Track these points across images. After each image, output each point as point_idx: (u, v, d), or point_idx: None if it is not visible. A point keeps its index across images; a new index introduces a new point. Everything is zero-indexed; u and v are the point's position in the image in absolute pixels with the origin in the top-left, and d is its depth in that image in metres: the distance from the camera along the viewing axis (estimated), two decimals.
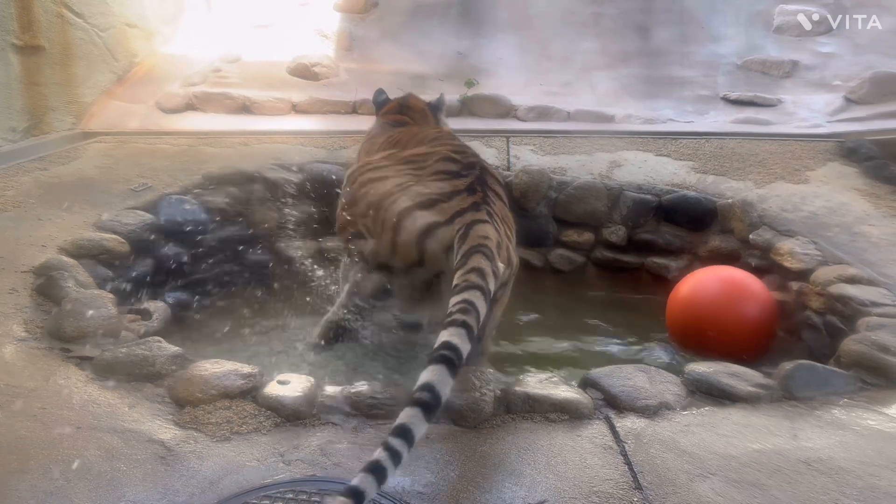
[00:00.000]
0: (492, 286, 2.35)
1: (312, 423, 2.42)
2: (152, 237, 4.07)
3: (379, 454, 1.77)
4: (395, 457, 1.78)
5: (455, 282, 2.36)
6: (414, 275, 2.86)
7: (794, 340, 3.90)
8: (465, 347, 2.03)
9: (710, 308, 3.69)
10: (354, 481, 1.71)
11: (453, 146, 3.25)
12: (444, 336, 2.07)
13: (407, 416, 1.86)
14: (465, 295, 2.23)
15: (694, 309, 3.76)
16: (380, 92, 4.15)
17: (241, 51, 7.61)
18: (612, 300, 4.56)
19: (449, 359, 1.98)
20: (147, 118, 6.14)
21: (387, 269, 2.98)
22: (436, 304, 2.79)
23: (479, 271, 2.34)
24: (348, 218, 3.13)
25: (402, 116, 3.91)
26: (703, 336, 3.67)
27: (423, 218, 2.72)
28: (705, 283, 3.84)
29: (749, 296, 3.73)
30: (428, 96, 6.73)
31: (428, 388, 1.91)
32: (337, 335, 3.43)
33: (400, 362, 3.48)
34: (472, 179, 2.88)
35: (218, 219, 4.51)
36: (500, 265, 2.48)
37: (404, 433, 1.82)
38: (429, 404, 1.88)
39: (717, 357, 3.36)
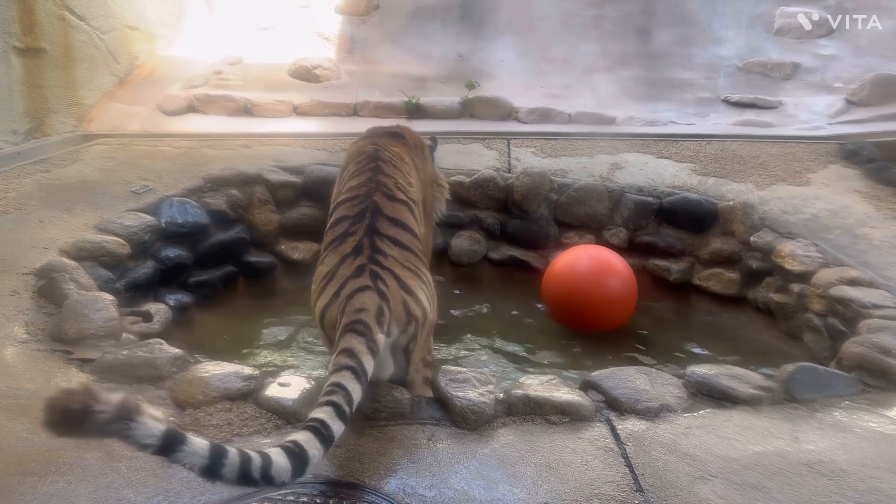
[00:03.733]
0: (367, 362, 2.24)
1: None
2: (153, 239, 4.07)
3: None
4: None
5: (330, 365, 2.30)
6: None
7: (795, 342, 3.90)
8: (334, 424, 2.03)
9: (581, 282, 4.04)
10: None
11: (350, 189, 2.99)
12: (314, 412, 2.07)
13: (275, 453, 1.90)
14: (334, 378, 2.17)
15: (567, 283, 4.09)
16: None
17: (243, 53, 7.62)
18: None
19: (317, 429, 2.00)
20: (148, 120, 6.15)
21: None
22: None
23: (349, 352, 2.24)
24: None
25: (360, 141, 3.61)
26: (574, 307, 4.06)
27: (319, 306, 2.61)
28: (577, 260, 4.18)
29: (613, 272, 4.07)
30: (429, 97, 6.76)
31: (295, 444, 1.94)
32: None
33: None
34: (359, 236, 2.69)
35: (219, 220, 4.51)
36: (380, 336, 2.35)
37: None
38: (294, 452, 1.91)
39: (584, 326, 4.06)
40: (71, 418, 1.62)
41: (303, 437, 1.96)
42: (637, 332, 4.21)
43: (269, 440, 2.32)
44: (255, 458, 1.83)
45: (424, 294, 2.65)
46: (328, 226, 2.91)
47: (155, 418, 1.71)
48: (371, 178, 3.00)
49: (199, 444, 1.75)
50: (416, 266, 2.71)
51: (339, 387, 2.13)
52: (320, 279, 2.67)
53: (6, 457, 2.17)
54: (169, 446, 1.70)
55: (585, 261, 4.17)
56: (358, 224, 2.76)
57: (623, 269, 4.12)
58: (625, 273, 4.10)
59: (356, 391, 2.15)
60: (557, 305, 4.18)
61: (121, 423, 1.65)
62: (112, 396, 1.67)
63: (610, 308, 4.09)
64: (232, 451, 1.80)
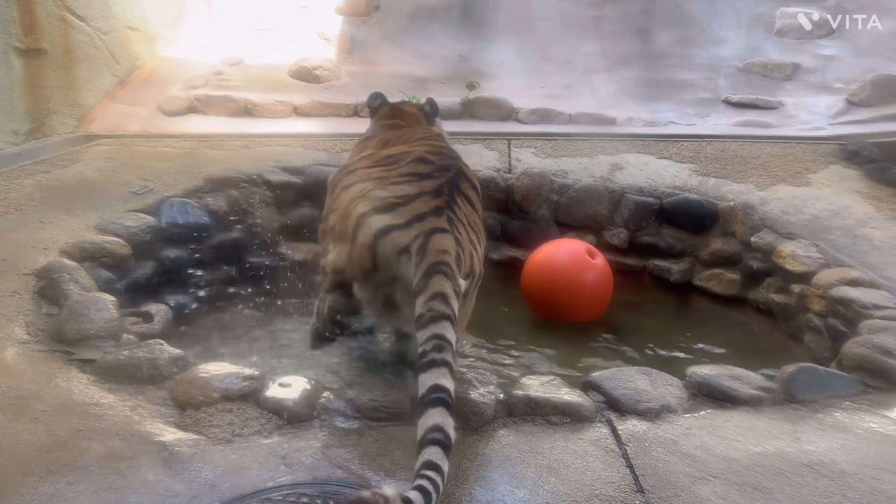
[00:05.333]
0: (456, 308, 2.27)
1: (314, 426, 2.42)
2: (154, 240, 4.07)
3: (420, 483, 1.86)
4: (433, 483, 1.87)
5: (419, 310, 2.29)
6: (371, 284, 2.75)
7: (796, 343, 3.90)
8: (451, 386, 2.05)
9: (559, 274, 4.17)
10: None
11: (433, 147, 3.17)
12: (431, 379, 2.06)
13: (430, 453, 1.93)
14: (434, 329, 2.16)
15: (546, 275, 4.21)
16: (375, 96, 4.07)
17: (243, 54, 7.62)
18: (613, 302, 4.55)
19: (444, 400, 2.02)
20: (149, 121, 6.15)
21: (344, 287, 2.88)
22: (398, 315, 2.74)
23: (443, 297, 2.25)
24: (323, 228, 3.08)
25: (396, 120, 3.82)
26: (552, 299, 4.19)
27: (378, 221, 2.62)
28: (556, 253, 4.29)
29: (590, 265, 4.18)
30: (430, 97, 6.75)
31: (438, 428, 1.97)
32: (325, 341, 3.35)
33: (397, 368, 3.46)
34: (441, 182, 2.78)
35: (219, 221, 4.51)
36: (462, 282, 2.38)
37: (435, 466, 1.91)
38: (444, 443, 1.96)
39: (562, 316, 4.16)
40: None
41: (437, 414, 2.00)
42: (637, 332, 4.21)
43: (269, 441, 2.32)
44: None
45: (482, 252, 2.79)
46: (404, 161, 2.93)
47: None
48: (451, 148, 3.24)
49: None
50: (478, 227, 2.85)
51: (445, 340, 2.16)
52: (391, 196, 2.68)
53: (6, 457, 2.17)
54: None
55: (562, 254, 4.30)
56: (443, 173, 2.85)
57: (599, 262, 4.24)
58: (600, 266, 4.23)
59: (454, 341, 2.19)
60: (534, 296, 4.32)
61: None
62: None
63: (585, 299, 4.22)
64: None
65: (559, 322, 4.23)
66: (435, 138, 3.40)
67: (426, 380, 2.09)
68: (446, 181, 2.81)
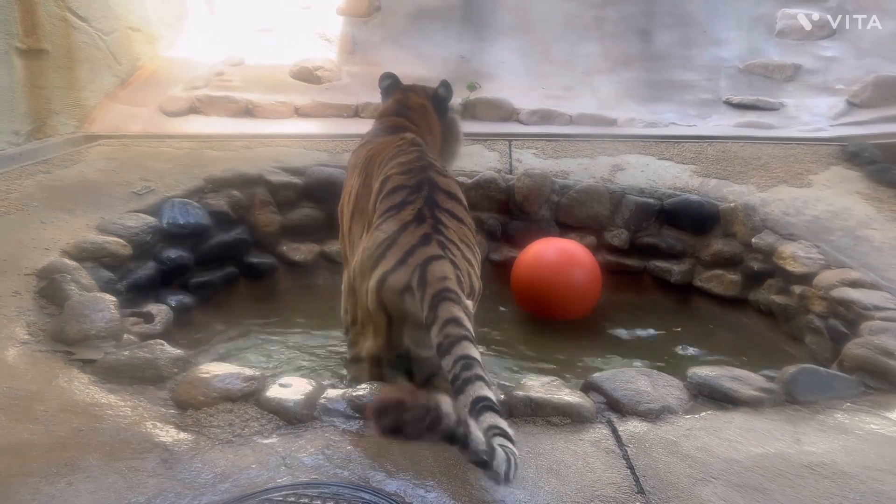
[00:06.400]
0: (471, 328, 2.27)
1: (314, 426, 2.41)
2: (155, 240, 4.07)
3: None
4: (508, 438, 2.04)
5: (436, 340, 2.29)
6: (393, 336, 2.66)
7: (797, 344, 3.90)
8: (492, 395, 2.11)
9: (548, 272, 4.19)
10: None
11: (402, 164, 2.97)
12: (470, 395, 2.10)
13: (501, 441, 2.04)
14: (455, 352, 2.18)
15: (535, 273, 4.24)
16: (385, 76, 3.78)
17: (244, 54, 7.62)
18: (613, 303, 4.55)
19: (490, 407, 2.08)
20: (150, 121, 6.15)
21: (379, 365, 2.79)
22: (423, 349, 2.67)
23: (455, 321, 2.25)
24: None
25: (400, 119, 3.55)
26: (541, 296, 4.22)
27: (378, 271, 2.58)
28: (545, 251, 4.33)
29: (579, 263, 4.26)
30: None
31: (497, 427, 2.05)
32: None
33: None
34: (419, 205, 2.70)
35: (220, 221, 4.51)
36: (469, 303, 2.38)
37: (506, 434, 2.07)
38: (507, 434, 2.06)
39: (552, 314, 4.20)
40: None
41: (494, 419, 2.06)
42: (637, 332, 4.22)
43: (269, 441, 2.32)
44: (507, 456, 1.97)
45: (478, 267, 2.74)
46: (381, 195, 2.85)
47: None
48: (421, 156, 3.03)
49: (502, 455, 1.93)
50: (470, 241, 2.77)
51: (472, 359, 2.19)
52: (378, 245, 2.64)
53: (7, 457, 2.17)
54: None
55: (551, 252, 4.34)
56: (416, 194, 2.76)
57: (588, 260, 4.29)
58: (589, 264, 4.28)
59: (478, 356, 2.22)
60: (520, 293, 4.36)
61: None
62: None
63: (574, 296, 4.26)
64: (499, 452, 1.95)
65: (553, 322, 4.23)
66: (406, 149, 3.12)
67: (464, 399, 2.11)
68: (423, 202, 2.72)
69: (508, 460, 1.96)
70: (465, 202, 2.95)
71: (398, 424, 1.73)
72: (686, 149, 5.57)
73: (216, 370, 2.65)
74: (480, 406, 2.06)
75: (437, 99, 3.66)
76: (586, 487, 2.15)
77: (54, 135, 5.57)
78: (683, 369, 2.90)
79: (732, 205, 4.56)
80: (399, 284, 2.49)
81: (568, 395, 2.60)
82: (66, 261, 3.51)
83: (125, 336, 3.03)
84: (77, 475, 2.11)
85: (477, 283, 2.67)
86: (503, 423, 2.07)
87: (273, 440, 2.33)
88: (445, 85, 3.66)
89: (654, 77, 7.61)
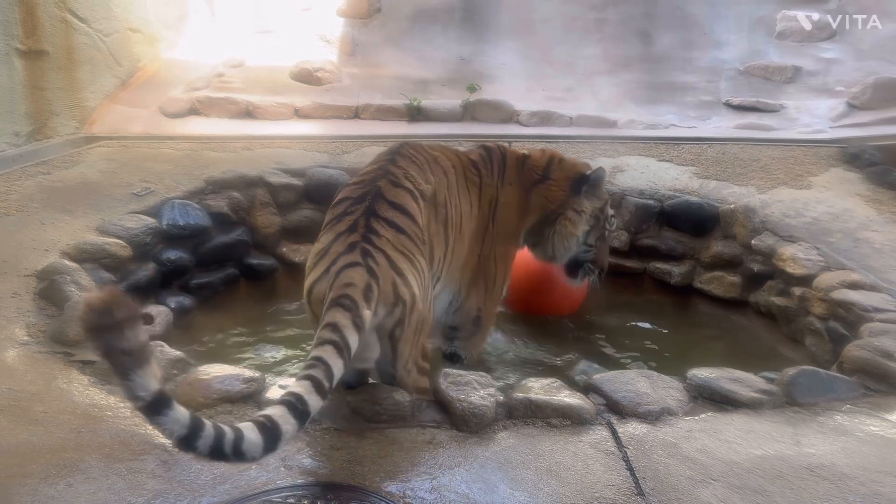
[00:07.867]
0: (351, 338, 2.22)
1: (314, 428, 2.41)
2: (154, 241, 4.07)
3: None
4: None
5: (315, 338, 2.29)
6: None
7: (797, 346, 3.90)
8: (311, 399, 2.02)
9: (537, 273, 4.09)
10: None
11: (359, 177, 2.97)
12: (291, 386, 2.06)
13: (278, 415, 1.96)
14: (316, 352, 2.16)
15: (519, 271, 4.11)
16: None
17: (245, 56, 7.64)
18: (614, 304, 4.55)
19: (292, 403, 2.00)
20: (150, 122, 6.16)
21: None
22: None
23: (333, 326, 2.22)
24: None
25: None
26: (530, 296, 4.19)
27: (307, 281, 2.56)
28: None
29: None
30: (430, 100, 6.76)
31: (268, 418, 1.94)
32: None
33: None
34: (356, 216, 2.66)
35: (220, 223, 4.51)
36: (366, 312, 2.31)
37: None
38: (266, 427, 1.92)
39: (539, 313, 4.19)
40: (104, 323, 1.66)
41: (276, 411, 1.95)
42: (638, 334, 4.21)
43: None
44: (228, 433, 1.83)
45: (416, 280, 2.60)
46: (329, 207, 2.88)
47: (154, 376, 1.74)
48: (381, 167, 2.98)
49: (182, 412, 1.77)
50: (410, 251, 2.66)
51: (320, 361, 2.11)
52: (313, 256, 2.65)
53: (7, 458, 2.17)
54: (156, 407, 1.72)
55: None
56: (358, 205, 2.73)
57: None
58: None
59: (337, 366, 2.13)
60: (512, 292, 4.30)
61: (127, 362, 1.68)
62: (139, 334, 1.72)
63: (559, 295, 4.22)
64: (208, 425, 1.82)
65: (540, 318, 4.23)
66: (381, 161, 3.10)
67: (290, 386, 2.09)
68: (361, 212, 2.68)
69: (199, 425, 1.81)
70: (415, 213, 2.82)
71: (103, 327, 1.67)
72: (686, 150, 5.58)
73: (216, 372, 2.65)
74: (282, 398, 2.02)
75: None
76: (586, 489, 2.15)
77: (54, 136, 5.57)
78: (683, 371, 2.88)
79: (732, 206, 4.56)
80: (322, 293, 2.46)
81: (567, 397, 2.60)
82: (66, 262, 3.51)
83: None
84: (76, 476, 2.11)
85: (406, 292, 2.53)
86: (276, 414, 1.94)
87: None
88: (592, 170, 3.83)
89: (654, 79, 7.62)
